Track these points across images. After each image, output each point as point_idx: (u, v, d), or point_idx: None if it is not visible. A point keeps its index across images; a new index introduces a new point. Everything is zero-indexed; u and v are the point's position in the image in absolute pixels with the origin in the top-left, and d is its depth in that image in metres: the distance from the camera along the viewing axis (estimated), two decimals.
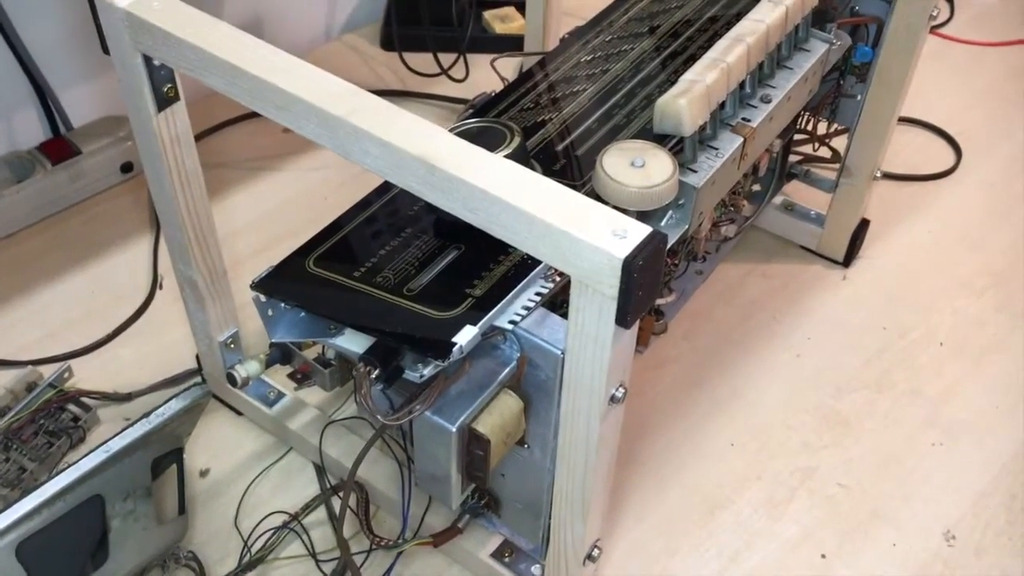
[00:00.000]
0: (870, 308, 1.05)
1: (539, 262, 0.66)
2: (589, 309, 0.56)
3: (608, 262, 0.52)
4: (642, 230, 0.53)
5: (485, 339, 0.64)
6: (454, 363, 0.63)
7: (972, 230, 1.15)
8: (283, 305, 0.70)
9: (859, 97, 0.97)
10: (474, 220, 0.57)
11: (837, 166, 1.03)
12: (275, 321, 0.70)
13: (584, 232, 0.53)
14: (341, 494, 0.84)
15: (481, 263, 0.68)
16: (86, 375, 0.94)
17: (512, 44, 1.31)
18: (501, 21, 1.40)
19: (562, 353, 0.62)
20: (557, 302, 0.68)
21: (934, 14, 0.90)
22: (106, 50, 0.69)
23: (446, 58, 1.26)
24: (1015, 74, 1.40)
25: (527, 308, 0.64)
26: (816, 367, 0.99)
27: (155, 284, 1.05)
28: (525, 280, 0.66)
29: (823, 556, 0.84)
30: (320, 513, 0.85)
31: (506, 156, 0.66)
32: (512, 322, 0.64)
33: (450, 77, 1.27)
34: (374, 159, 0.59)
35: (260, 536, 0.82)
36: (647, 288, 0.54)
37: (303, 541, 0.83)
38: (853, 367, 0.99)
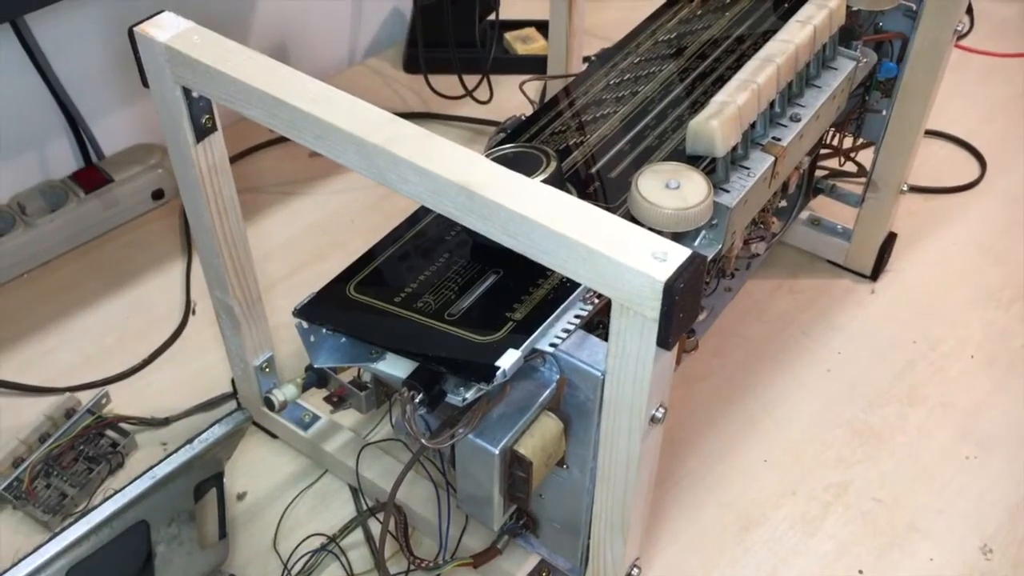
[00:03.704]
0: (899, 321, 1.05)
1: (578, 285, 0.67)
2: (630, 331, 0.56)
3: (649, 285, 0.53)
4: (682, 252, 0.53)
5: (525, 362, 0.64)
6: (496, 386, 0.64)
7: (997, 242, 1.15)
8: (325, 331, 0.71)
9: (884, 112, 0.97)
10: (514, 245, 0.57)
11: (863, 180, 1.04)
12: (317, 347, 0.71)
13: (624, 255, 0.53)
14: (380, 516, 0.85)
15: (520, 287, 0.68)
16: (123, 400, 0.95)
17: (534, 64, 1.32)
18: (522, 42, 1.41)
19: (602, 374, 0.62)
20: (593, 323, 0.68)
21: (959, 28, 0.90)
22: (146, 83, 0.70)
23: (468, 79, 1.27)
24: None
25: (567, 331, 0.65)
26: (847, 381, 0.99)
27: (188, 309, 1.06)
28: (565, 303, 0.66)
29: (860, 572, 0.84)
30: (357, 535, 0.86)
31: (543, 181, 0.67)
32: (553, 345, 0.64)
33: (475, 99, 1.28)
34: (413, 186, 0.59)
35: (299, 559, 0.83)
36: (688, 309, 0.55)
37: (341, 563, 0.83)
38: (884, 381, 0.99)
